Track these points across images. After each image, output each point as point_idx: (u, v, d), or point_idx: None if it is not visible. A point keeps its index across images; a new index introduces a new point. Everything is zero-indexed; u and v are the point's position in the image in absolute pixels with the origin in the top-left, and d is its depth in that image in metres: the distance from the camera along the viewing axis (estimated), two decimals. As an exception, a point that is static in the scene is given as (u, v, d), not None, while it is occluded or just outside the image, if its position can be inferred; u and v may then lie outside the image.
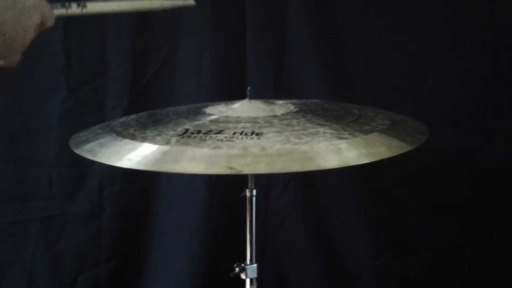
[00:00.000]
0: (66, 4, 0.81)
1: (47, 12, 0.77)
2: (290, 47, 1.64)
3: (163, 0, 0.96)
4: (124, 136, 0.96)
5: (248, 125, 0.94)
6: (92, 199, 1.69)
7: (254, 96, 1.12)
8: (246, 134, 0.89)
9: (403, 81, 1.62)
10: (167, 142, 0.89)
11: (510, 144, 1.59)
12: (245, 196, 1.20)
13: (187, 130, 0.94)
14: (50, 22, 0.78)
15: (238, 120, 0.99)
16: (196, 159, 0.83)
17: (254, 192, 1.19)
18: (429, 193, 1.64)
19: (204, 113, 1.07)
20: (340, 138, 0.88)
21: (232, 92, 1.54)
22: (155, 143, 0.89)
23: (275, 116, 1.02)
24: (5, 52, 0.74)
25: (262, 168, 0.81)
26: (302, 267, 1.72)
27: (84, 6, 0.82)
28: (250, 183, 1.19)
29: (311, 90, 1.64)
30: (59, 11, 0.80)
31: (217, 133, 0.91)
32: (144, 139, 0.92)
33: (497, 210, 1.63)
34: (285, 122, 0.97)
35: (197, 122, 0.99)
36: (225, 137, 0.88)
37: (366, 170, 1.58)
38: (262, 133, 0.89)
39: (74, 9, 0.81)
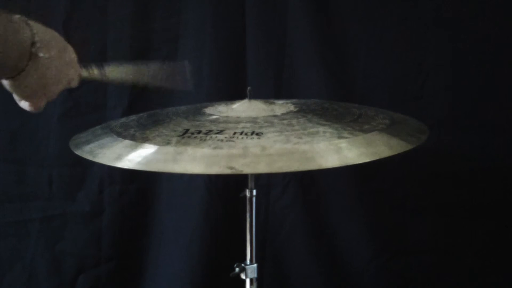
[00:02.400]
0: (88, 66, 0.89)
1: (77, 73, 0.86)
2: (290, 47, 1.64)
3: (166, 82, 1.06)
4: (125, 137, 0.96)
5: (248, 125, 0.94)
6: (92, 199, 1.69)
7: (254, 96, 1.12)
8: (246, 134, 0.89)
9: (403, 81, 1.62)
10: (167, 143, 0.89)
11: (510, 144, 1.59)
12: (245, 196, 1.20)
13: (187, 130, 0.94)
14: (75, 83, 0.86)
15: (238, 120, 0.99)
16: (196, 159, 0.83)
17: (254, 192, 1.19)
18: (429, 193, 1.64)
19: (204, 113, 1.07)
20: (340, 137, 0.88)
21: (232, 92, 1.54)
22: (155, 143, 0.89)
23: (275, 116, 1.02)
24: (37, 95, 0.78)
25: (262, 167, 0.81)
26: (302, 267, 1.72)
27: (103, 69, 0.92)
28: (250, 183, 1.19)
29: (311, 90, 1.64)
30: (84, 73, 0.88)
31: (217, 133, 0.91)
32: (145, 140, 0.92)
33: (497, 210, 1.63)
34: (285, 122, 0.97)
35: (197, 123, 0.99)
36: (225, 137, 0.88)
37: (366, 170, 1.59)
38: (262, 133, 0.89)
39: (96, 73, 0.91)
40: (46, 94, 0.79)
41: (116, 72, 0.95)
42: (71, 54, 0.83)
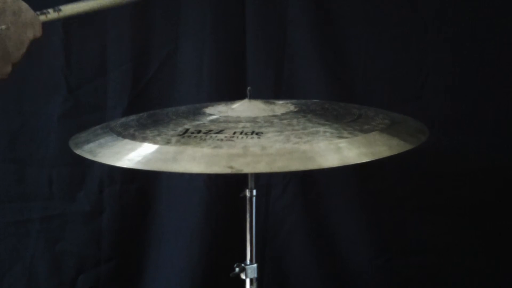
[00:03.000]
0: (45, 11, 0.85)
1: (38, 25, 0.82)
2: (290, 47, 1.64)
3: None
4: (124, 136, 0.96)
5: (248, 124, 0.95)
6: (92, 199, 1.69)
7: (254, 96, 1.12)
8: (246, 133, 0.89)
9: (403, 81, 1.62)
10: (167, 142, 0.89)
11: (510, 144, 1.59)
12: (245, 196, 1.20)
13: (187, 130, 0.94)
14: (39, 33, 0.82)
15: (238, 120, 0.99)
16: (196, 159, 0.83)
17: (254, 192, 1.19)
18: (429, 193, 1.64)
19: (204, 113, 1.07)
20: (340, 137, 0.88)
21: (232, 92, 1.54)
22: (155, 143, 0.90)
23: (275, 115, 1.02)
24: (0, 64, 0.77)
25: (262, 167, 0.81)
26: (302, 267, 1.72)
27: (60, 10, 0.87)
28: (250, 183, 1.19)
29: (311, 90, 1.64)
30: (41, 18, 0.84)
31: (217, 132, 0.91)
32: (144, 139, 0.92)
33: (497, 210, 1.63)
34: (285, 121, 0.97)
35: (197, 122, 1.00)
36: (225, 137, 0.88)
37: (366, 170, 1.59)
38: (262, 133, 0.89)
39: (52, 14, 0.86)
40: (10, 60, 0.78)
41: (73, 8, 0.91)
42: (27, 14, 0.80)
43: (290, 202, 1.70)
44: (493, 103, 1.59)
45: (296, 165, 0.82)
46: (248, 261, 1.21)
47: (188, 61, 1.66)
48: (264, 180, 1.69)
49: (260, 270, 1.22)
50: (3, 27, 0.74)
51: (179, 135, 0.92)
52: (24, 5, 0.80)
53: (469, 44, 1.57)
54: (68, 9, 0.88)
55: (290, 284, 1.73)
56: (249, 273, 1.20)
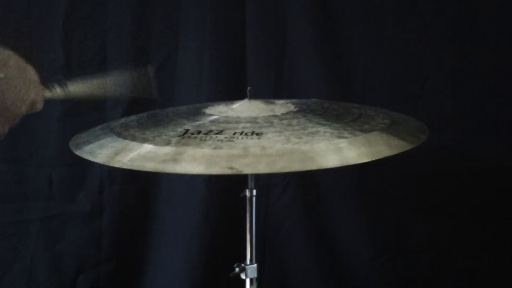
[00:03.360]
0: (50, 86, 0.83)
1: (40, 95, 0.81)
2: (290, 47, 1.64)
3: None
4: (125, 137, 0.96)
5: (248, 125, 0.95)
6: (92, 199, 1.69)
7: (254, 96, 1.12)
8: (246, 134, 0.89)
9: (403, 81, 1.62)
10: (168, 143, 0.89)
11: (510, 144, 1.59)
12: (245, 196, 1.20)
13: (187, 130, 0.94)
14: (40, 106, 0.81)
15: (238, 120, 0.99)
16: (196, 160, 0.83)
17: (254, 192, 1.20)
18: (429, 193, 1.64)
19: (204, 114, 1.07)
20: (340, 137, 0.88)
21: (232, 92, 1.54)
22: (155, 144, 0.89)
23: (275, 116, 1.02)
24: None
25: (262, 168, 0.81)
26: (302, 267, 1.72)
27: (65, 85, 0.85)
28: (250, 183, 1.19)
29: (311, 90, 1.64)
30: (47, 94, 0.83)
31: (217, 133, 0.91)
32: (145, 140, 0.92)
33: (497, 210, 1.63)
34: (285, 122, 0.97)
35: (197, 123, 1.00)
36: (225, 137, 0.88)
37: (366, 170, 1.59)
38: (262, 133, 0.89)
39: (59, 92, 0.85)
40: (8, 117, 0.76)
41: (79, 88, 0.91)
42: (31, 74, 0.79)
43: (290, 202, 1.70)
44: (493, 103, 1.59)
45: (296, 165, 0.82)
46: (248, 261, 1.22)
47: (188, 61, 1.66)
48: (264, 180, 1.69)
49: (260, 270, 1.22)
50: (2, 75, 0.72)
51: (179, 135, 0.92)
52: (31, 69, 0.79)
53: (469, 44, 1.57)
54: (73, 89, 0.87)
55: (290, 284, 1.73)
56: (249, 273, 1.20)
